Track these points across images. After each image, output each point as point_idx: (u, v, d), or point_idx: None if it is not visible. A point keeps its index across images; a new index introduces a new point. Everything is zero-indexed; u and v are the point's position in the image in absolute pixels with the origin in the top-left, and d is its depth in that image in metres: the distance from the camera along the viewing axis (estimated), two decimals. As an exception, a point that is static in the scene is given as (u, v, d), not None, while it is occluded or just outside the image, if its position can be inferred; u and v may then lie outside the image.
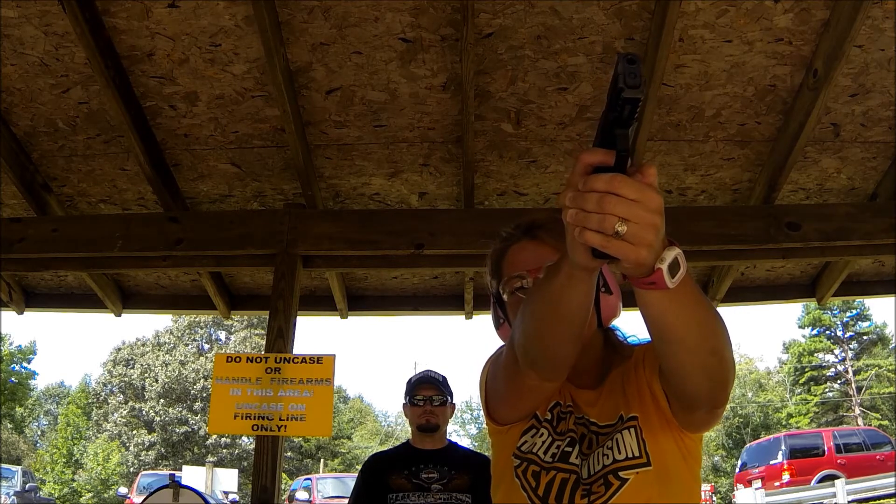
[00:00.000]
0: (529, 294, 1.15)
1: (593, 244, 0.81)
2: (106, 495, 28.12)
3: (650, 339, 1.05)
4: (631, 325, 1.36)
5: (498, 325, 1.40)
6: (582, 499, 1.19)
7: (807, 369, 33.54)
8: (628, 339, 1.38)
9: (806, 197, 3.95)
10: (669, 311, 0.93)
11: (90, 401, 34.16)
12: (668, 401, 1.17)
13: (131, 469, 28.62)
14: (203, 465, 19.78)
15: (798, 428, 28.44)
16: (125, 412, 30.83)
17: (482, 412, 1.39)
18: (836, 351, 34.01)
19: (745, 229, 3.51)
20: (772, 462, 16.00)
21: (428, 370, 3.32)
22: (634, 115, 0.77)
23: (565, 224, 0.85)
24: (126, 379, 31.45)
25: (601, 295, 1.29)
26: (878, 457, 15.08)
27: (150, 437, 30.07)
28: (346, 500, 3.52)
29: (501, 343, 1.38)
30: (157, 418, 30.09)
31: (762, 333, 72.57)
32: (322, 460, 32.85)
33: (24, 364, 31.98)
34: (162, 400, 30.52)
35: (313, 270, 3.96)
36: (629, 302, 1.10)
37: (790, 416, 32.93)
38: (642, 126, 3.34)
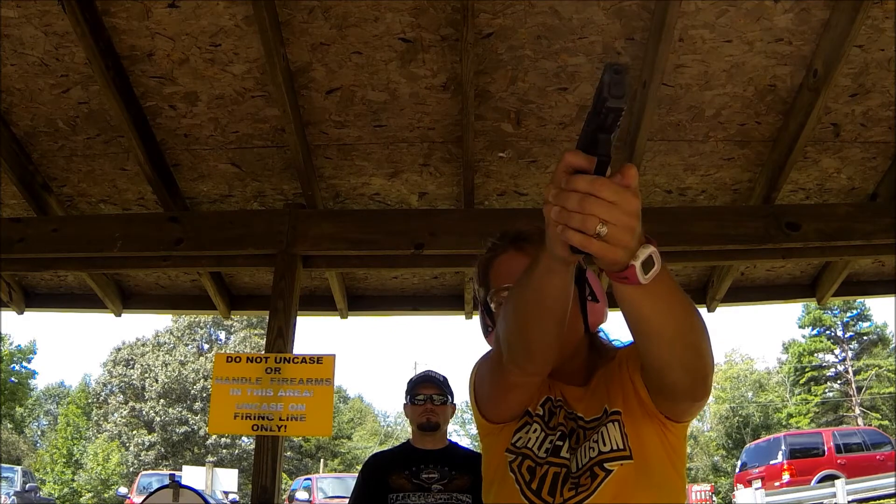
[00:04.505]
0: (510, 290, 1.19)
1: (573, 243, 0.85)
2: (106, 495, 28.11)
3: (633, 340, 1.09)
4: (616, 328, 1.39)
5: (486, 333, 1.44)
6: (570, 491, 1.22)
7: (807, 369, 33.53)
8: (613, 342, 1.43)
9: (806, 197, 3.95)
10: (644, 305, 0.96)
11: (90, 401, 34.16)
12: (651, 393, 1.21)
13: (131, 469, 28.63)
14: (203, 465, 19.77)
15: (798, 428, 28.44)
16: (125, 412, 30.83)
17: (471, 417, 1.42)
18: (837, 351, 34.01)
19: (745, 229, 3.51)
20: (772, 462, 16.00)
21: (429, 370, 3.33)
22: (617, 123, 0.80)
23: (546, 219, 0.88)
24: (126, 379, 31.45)
25: (588, 302, 1.35)
26: (878, 457, 15.08)
27: (150, 437, 30.07)
28: (347, 500, 3.51)
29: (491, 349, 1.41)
30: (157, 418, 30.09)
31: (762, 333, 72.70)
32: (322, 460, 32.86)
33: (24, 364, 31.98)
34: (162, 400, 30.52)
35: (313, 270, 3.96)
36: (614, 304, 1.11)
37: (790, 416, 32.93)
38: (642, 126, 3.34)
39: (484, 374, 1.34)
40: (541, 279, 1.02)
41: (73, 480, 29.66)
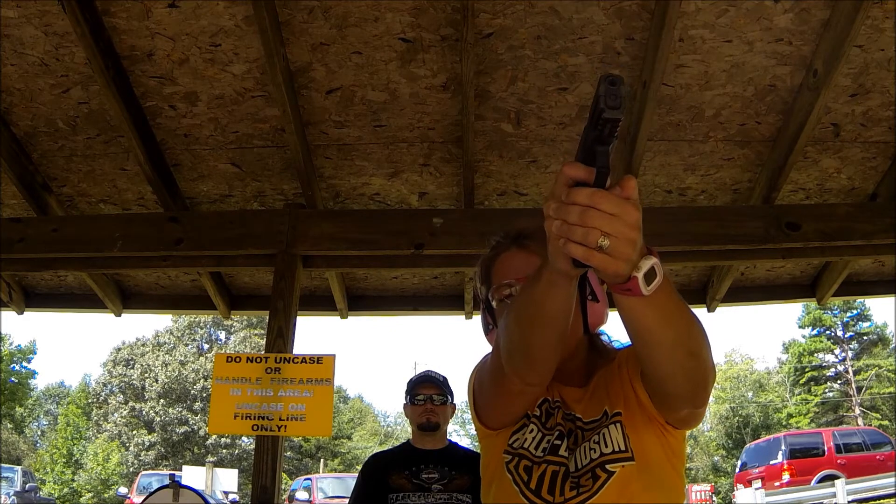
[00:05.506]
0: (513, 300, 1.19)
1: (576, 256, 0.85)
2: (106, 495, 28.11)
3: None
4: (617, 329, 1.39)
5: (487, 331, 1.44)
6: (571, 491, 1.22)
7: (807, 369, 33.53)
8: (612, 343, 1.43)
9: (806, 197, 3.95)
10: (646, 315, 0.97)
11: (90, 401, 34.15)
12: (651, 399, 1.21)
13: (131, 469, 28.62)
14: (203, 465, 19.76)
15: (798, 428, 28.44)
16: (125, 412, 30.83)
17: (470, 417, 1.42)
18: (837, 351, 34.01)
19: (745, 229, 3.51)
20: (772, 462, 16.00)
21: (429, 370, 3.33)
22: (614, 134, 0.80)
23: (547, 234, 0.88)
24: (126, 379, 31.44)
25: (588, 303, 1.34)
26: (878, 457, 15.08)
27: (150, 437, 30.06)
28: (347, 500, 3.51)
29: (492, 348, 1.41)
30: (157, 418, 30.08)
31: (762, 333, 72.72)
32: (322, 460, 32.85)
33: (24, 364, 31.97)
34: (162, 400, 30.51)
35: (313, 270, 3.96)
36: (614, 305, 1.11)
37: (790, 416, 32.93)
38: (642, 126, 3.34)
39: (484, 382, 1.34)
40: (543, 292, 1.02)
41: (73, 480, 29.66)
